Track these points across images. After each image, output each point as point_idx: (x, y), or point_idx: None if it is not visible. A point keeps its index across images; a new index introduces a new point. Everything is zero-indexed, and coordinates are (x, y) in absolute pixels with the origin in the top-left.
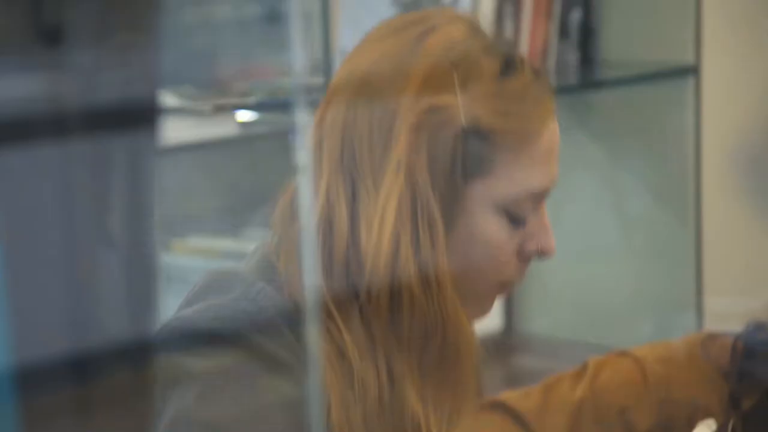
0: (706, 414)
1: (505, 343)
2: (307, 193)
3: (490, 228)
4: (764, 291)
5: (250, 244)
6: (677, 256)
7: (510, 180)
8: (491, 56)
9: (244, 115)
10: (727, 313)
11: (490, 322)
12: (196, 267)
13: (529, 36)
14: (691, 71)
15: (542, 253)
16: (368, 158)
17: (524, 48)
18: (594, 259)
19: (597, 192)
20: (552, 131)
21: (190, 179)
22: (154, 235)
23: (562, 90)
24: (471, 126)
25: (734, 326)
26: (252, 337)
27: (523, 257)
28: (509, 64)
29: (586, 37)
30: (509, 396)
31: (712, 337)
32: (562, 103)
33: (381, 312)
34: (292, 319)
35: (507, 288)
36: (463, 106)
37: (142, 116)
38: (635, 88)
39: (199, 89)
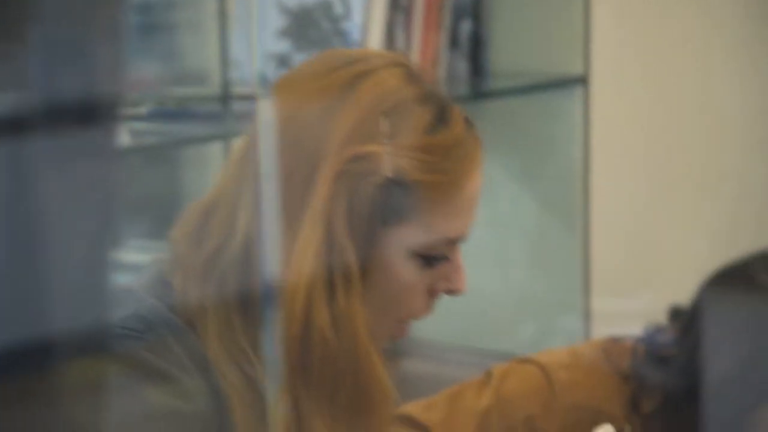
0: (610, 419)
1: (392, 348)
2: (271, 203)
3: (403, 272)
4: (652, 292)
5: (131, 255)
6: (565, 260)
7: (428, 229)
8: (424, 107)
9: (134, 125)
10: (614, 315)
11: None
12: None
13: (420, 46)
14: (580, 81)
15: (452, 292)
16: (287, 201)
17: (415, 58)
18: (482, 264)
19: (486, 199)
20: (476, 181)
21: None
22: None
23: (453, 100)
24: (395, 177)
25: (622, 328)
26: (142, 355)
27: (433, 294)
28: (441, 116)
29: (476, 48)
30: (413, 408)
31: (614, 341)
32: None
33: (292, 354)
34: (184, 341)
35: (411, 322)
36: (389, 157)
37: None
38: (525, 98)
39: None
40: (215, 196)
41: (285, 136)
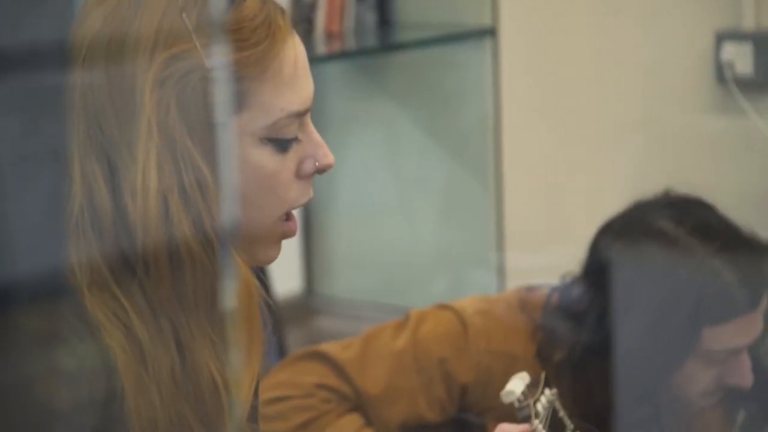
0: (524, 366)
1: (305, 306)
2: (230, 148)
3: (260, 162)
4: (563, 246)
5: None
6: (477, 215)
7: (264, 108)
8: None
9: None
10: (527, 270)
11: (290, 285)
12: None
13: None
14: (489, 33)
15: (322, 169)
16: (117, 128)
17: (322, 10)
18: (394, 221)
19: (396, 153)
20: (292, 48)
21: None
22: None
23: (361, 51)
24: (212, 66)
25: (535, 282)
26: (34, 319)
27: (304, 177)
28: None
29: None
30: (329, 347)
31: (531, 291)
32: (360, 65)
33: (163, 280)
34: (68, 296)
35: (295, 217)
36: (200, 50)
37: None
38: (434, 50)
39: None
40: None
41: (94, 69)
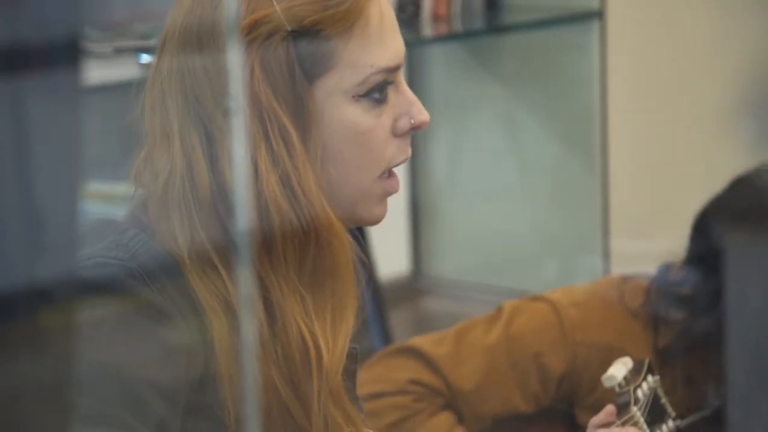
0: (621, 356)
1: (412, 287)
2: (241, 137)
3: (353, 120)
4: (669, 232)
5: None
6: (584, 198)
7: (352, 66)
8: None
9: (145, 58)
10: (633, 255)
11: (397, 266)
12: (95, 212)
13: None
14: (596, 16)
15: (417, 126)
16: (212, 97)
17: None
18: (501, 203)
19: (503, 136)
20: (377, 4)
21: (89, 123)
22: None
23: (468, 34)
24: (296, 28)
25: (640, 267)
26: (126, 284)
27: (400, 134)
28: None
29: None
30: (421, 341)
31: (626, 281)
32: (468, 47)
33: (256, 240)
34: (166, 267)
35: (396, 174)
36: (282, 11)
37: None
38: (541, 33)
39: (98, 31)
40: (150, 130)
41: (190, 44)
